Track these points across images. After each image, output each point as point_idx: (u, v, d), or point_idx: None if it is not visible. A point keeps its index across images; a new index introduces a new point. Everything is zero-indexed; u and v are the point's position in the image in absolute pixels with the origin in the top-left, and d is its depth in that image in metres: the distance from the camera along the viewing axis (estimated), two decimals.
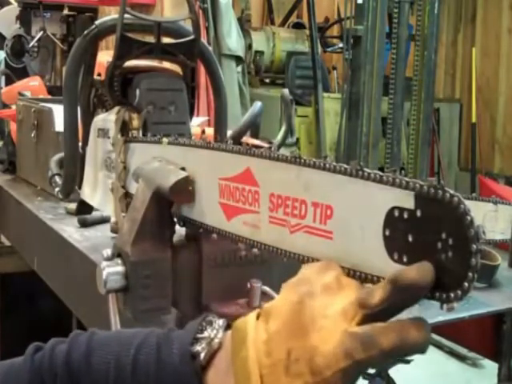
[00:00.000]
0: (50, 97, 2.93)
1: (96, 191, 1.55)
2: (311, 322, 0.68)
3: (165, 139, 1.23)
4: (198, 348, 0.74)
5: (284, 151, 0.94)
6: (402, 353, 0.66)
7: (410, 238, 0.68)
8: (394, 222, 0.70)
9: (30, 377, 0.80)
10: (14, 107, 2.65)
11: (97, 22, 1.53)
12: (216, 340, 0.74)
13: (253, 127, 1.64)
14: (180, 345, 0.75)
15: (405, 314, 0.69)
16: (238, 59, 5.01)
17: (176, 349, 0.75)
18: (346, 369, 0.65)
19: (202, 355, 0.74)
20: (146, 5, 5.29)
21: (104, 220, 1.76)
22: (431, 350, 3.81)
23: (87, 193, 1.58)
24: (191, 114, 1.52)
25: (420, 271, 0.65)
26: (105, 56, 1.53)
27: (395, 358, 0.66)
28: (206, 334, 0.75)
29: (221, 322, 0.77)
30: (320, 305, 0.69)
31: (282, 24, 7.49)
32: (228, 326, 0.76)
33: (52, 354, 0.81)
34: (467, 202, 0.64)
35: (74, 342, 0.81)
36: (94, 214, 1.73)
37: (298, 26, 7.34)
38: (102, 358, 0.78)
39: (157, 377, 0.75)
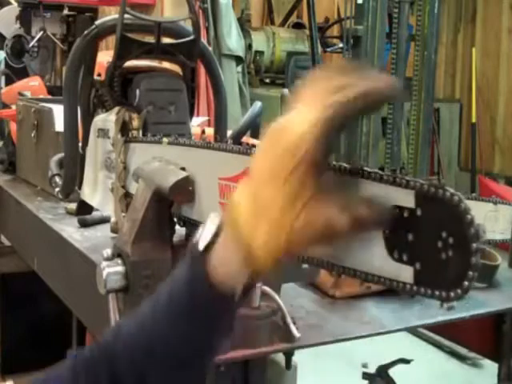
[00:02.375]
0: (50, 97, 2.92)
1: (96, 191, 1.55)
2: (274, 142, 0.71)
3: (165, 139, 1.23)
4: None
5: None
6: (373, 98, 0.69)
7: (410, 237, 0.68)
8: (394, 220, 0.70)
9: (71, 375, 0.82)
10: (14, 107, 2.65)
11: (97, 22, 1.53)
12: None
13: (253, 127, 1.64)
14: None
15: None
16: (238, 59, 5.01)
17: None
18: (319, 133, 0.67)
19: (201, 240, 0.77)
20: (146, 5, 5.28)
21: (104, 220, 1.75)
22: (431, 350, 3.83)
23: (87, 193, 1.58)
24: (191, 114, 1.52)
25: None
26: (105, 56, 1.53)
27: (368, 107, 0.68)
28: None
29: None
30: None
31: (282, 24, 7.49)
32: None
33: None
34: (467, 202, 0.64)
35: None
36: (94, 214, 1.73)
37: (298, 26, 7.34)
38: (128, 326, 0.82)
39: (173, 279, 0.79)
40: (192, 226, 1.16)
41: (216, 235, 0.76)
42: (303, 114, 0.70)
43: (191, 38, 1.48)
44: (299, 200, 0.68)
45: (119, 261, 1.17)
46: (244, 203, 0.72)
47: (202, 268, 0.76)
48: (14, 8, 6.49)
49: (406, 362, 1.88)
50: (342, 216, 0.68)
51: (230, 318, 0.79)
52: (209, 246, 0.76)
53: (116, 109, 1.45)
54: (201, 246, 0.76)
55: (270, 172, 0.70)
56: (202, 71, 1.73)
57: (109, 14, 4.42)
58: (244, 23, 6.32)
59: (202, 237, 0.77)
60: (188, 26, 1.52)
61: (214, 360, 0.84)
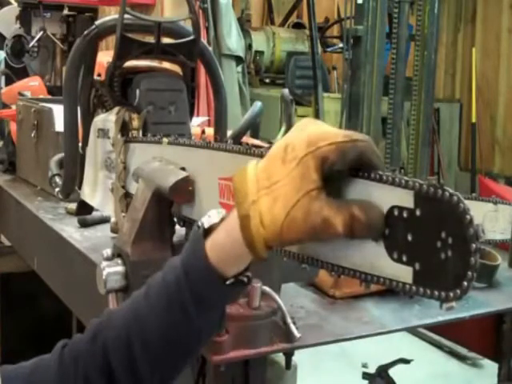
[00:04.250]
0: (50, 97, 2.92)
1: (96, 191, 1.55)
2: (305, 127, 0.75)
3: (165, 139, 1.23)
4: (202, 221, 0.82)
5: None
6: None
7: (410, 238, 0.68)
8: (393, 221, 0.70)
9: (58, 368, 0.82)
10: (14, 107, 2.65)
11: (97, 23, 1.53)
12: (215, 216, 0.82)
13: (253, 127, 1.64)
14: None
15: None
16: (238, 59, 5.01)
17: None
18: (343, 145, 0.71)
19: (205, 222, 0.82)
20: (146, 5, 5.29)
21: (104, 220, 1.76)
22: (431, 350, 3.82)
23: (87, 193, 1.58)
24: (191, 114, 1.52)
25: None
26: (105, 56, 1.53)
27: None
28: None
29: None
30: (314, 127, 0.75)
31: (282, 24, 7.50)
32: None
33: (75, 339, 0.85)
34: (467, 202, 0.64)
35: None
36: (94, 214, 1.73)
37: (298, 26, 7.35)
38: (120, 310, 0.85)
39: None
40: (192, 225, 1.16)
41: (221, 220, 0.80)
42: (338, 130, 0.74)
43: (191, 38, 1.48)
44: (303, 186, 0.71)
45: (119, 261, 1.17)
46: (250, 172, 0.76)
47: (200, 245, 0.79)
48: (14, 8, 6.50)
49: (406, 361, 1.88)
50: (338, 216, 0.70)
51: (220, 300, 0.81)
52: (212, 227, 0.80)
53: (116, 109, 1.45)
54: (205, 225, 0.81)
55: (285, 150, 0.74)
56: (202, 71, 1.73)
57: (109, 14, 4.42)
58: (244, 23, 6.33)
59: (208, 218, 0.82)
60: (188, 26, 1.52)
61: (202, 346, 0.86)
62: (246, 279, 0.81)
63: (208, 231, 0.81)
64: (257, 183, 0.74)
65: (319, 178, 0.71)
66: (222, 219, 0.81)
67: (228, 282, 0.79)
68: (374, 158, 0.72)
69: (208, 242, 0.79)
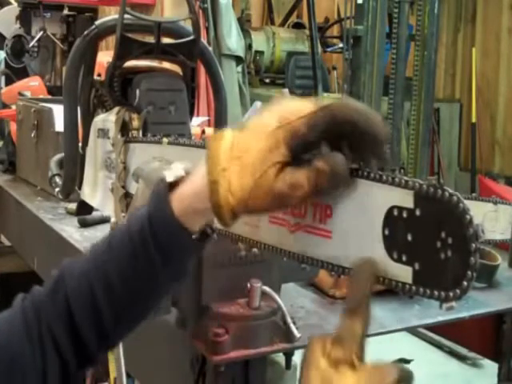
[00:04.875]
0: (50, 97, 2.93)
1: (96, 191, 1.55)
2: (280, 103, 0.77)
3: (165, 139, 1.23)
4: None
5: None
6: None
7: (410, 237, 0.68)
8: (393, 221, 0.70)
9: (22, 321, 0.81)
10: (14, 107, 2.65)
11: (97, 23, 1.53)
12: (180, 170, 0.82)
13: None
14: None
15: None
16: (238, 59, 5.01)
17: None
18: (312, 115, 0.72)
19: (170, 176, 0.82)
20: (146, 5, 5.29)
21: (104, 220, 1.76)
22: (431, 350, 3.80)
23: (87, 193, 1.59)
24: (191, 114, 1.52)
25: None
26: (105, 56, 1.53)
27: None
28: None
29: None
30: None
31: (282, 24, 7.49)
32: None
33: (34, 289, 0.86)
34: (467, 202, 0.64)
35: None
36: (94, 214, 1.73)
37: (298, 26, 7.34)
38: (82, 260, 0.85)
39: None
40: None
41: (186, 173, 0.82)
42: (311, 103, 0.75)
43: (191, 38, 1.48)
44: (270, 158, 0.74)
45: None
46: (226, 141, 0.77)
47: (165, 197, 0.79)
48: (14, 8, 6.50)
49: (406, 361, 1.88)
50: (302, 175, 0.72)
51: (184, 254, 0.81)
52: (177, 182, 0.81)
53: (116, 109, 1.45)
54: (169, 178, 0.81)
55: (259, 124, 0.76)
56: (202, 71, 1.73)
57: (109, 14, 4.42)
58: (244, 23, 6.32)
59: (171, 172, 0.82)
60: (188, 26, 1.52)
61: (163, 299, 0.87)
62: (209, 230, 0.83)
63: (173, 185, 0.81)
64: (230, 152, 0.76)
65: (287, 151, 0.73)
66: (187, 174, 0.82)
67: (194, 236, 0.80)
68: (352, 113, 0.71)
69: (173, 195, 0.80)
